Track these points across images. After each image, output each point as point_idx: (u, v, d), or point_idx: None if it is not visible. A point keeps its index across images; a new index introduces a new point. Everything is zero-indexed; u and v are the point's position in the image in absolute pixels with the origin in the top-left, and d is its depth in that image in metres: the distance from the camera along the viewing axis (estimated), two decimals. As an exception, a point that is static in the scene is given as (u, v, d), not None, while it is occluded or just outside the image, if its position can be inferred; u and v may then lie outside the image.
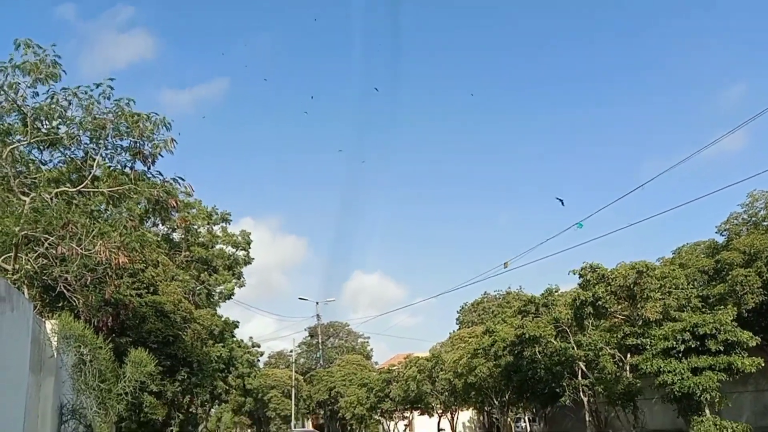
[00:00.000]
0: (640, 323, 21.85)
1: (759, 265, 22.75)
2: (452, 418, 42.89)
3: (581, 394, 27.58)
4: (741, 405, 25.84)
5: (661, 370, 18.39)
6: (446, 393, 38.06)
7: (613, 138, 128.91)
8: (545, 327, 27.81)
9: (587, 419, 29.22)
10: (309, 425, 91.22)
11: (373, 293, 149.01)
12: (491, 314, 48.11)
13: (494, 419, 45.83)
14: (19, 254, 10.84)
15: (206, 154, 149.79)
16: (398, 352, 69.90)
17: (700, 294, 24.04)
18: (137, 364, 12.23)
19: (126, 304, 17.96)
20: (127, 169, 12.94)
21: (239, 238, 39.95)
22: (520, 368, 29.05)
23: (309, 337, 79.17)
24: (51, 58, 11.63)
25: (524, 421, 54.45)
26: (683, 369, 17.88)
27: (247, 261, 40.59)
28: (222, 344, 34.75)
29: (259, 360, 67.07)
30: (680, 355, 18.45)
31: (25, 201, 11.32)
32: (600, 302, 21.99)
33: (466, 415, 55.87)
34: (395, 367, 46.33)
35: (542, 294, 32.66)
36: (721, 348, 17.94)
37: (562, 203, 28.07)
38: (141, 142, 12.47)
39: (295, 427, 54.43)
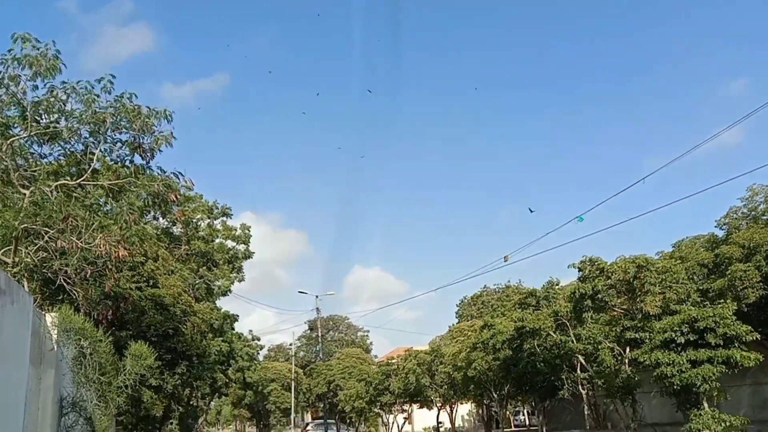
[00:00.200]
0: (639, 317, 21.89)
1: (758, 258, 22.76)
2: (451, 411, 43.01)
3: (580, 387, 27.66)
4: (739, 399, 25.92)
5: (660, 362, 18.42)
6: (445, 386, 38.15)
7: (614, 134, 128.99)
8: (545, 320, 27.87)
9: (586, 412, 29.31)
10: (308, 418, 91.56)
11: (373, 287, 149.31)
12: (491, 308, 48.18)
13: (493, 412, 45.95)
14: (18, 247, 10.85)
15: (207, 148, 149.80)
16: (398, 345, 70.06)
17: (700, 288, 24.06)
18: (137, 357, 12.24)
19: (126, 297, 17.98)
20: (127, 164, 12.94)
21: (239, 232, 39.94)
22: (519, 361, 29.12)
23: (309, 331, 79.31)
24: (52, 51, 11.61)
25: (523, 415, 54.69)
26: (682, 361, 17.92)
27: (247, 255, 40.59)
28: (222, 338, 34.80)
29: (258, 353, 67.23)
30: (679, 348, 18.49)
31: (24, 194, 11.32)
32: (599, 296, 22.02)
33: (465, 409, 56.07)
34: (394, 361, 46.42)
35: (543, 286, 32.71)
36: (720, 342, 17.97)
37: (531, 211, 28.25)
38: (141, 136, 12.45)
39: (312, 426, 53.90)
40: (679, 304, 20.66)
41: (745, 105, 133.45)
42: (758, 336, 19.01)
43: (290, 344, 79.61)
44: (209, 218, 36.94)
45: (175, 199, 13.34)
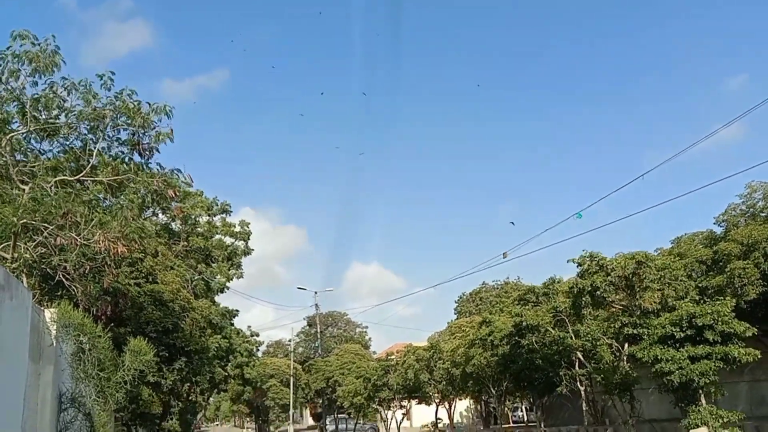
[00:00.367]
0: (638, 313, 21.92)
1: (757, 255, 22.79)
2: (450, 407, 43.07)
3: (578, 383, 27.70)
4: (737, 395, 26.01)
5: (658, 358, 18.46)
6: (444, 382, 38.21)
7: (613, 132, 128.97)
8: (544, 316, 27.89)
9: (584, 408, 29.36)
10: (307, 414, 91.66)
11: (372, 283, 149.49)
12: (489, 304, 48.23)
13: (491, 408, 46.02)
14: (18, 243, 10.85)
15: (206, 144, 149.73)
16: (397, 341, 70.13)
17: (699, 285, 24.09)
18: (136, 353, 12.24)
19: (125, 293, 17.98)
20: (126, 161, 12.93)
21: (239, 228, 39.95)
22: (517, 358, 29.15)
23: (307, 327, 79.36)
24: (51, 47, 11.60)
25: (521, 411, 54.79)
26: (681, 357, 17.96)
27: (247, 252, 40.60)
28: (221, 334, 34.82)
29: (258, 349, 67.27)
30: (678, 344, 18.53)
31: (24, 190, 11.32)
32: (598, 291, 22.04)
33: (463, 405, 56.13)
34: (393, 356, 46.47)
35: (544, 283, 32.74)
36: (719, 338, 18.01)
37: (512, 224, 28.44)
38: (140, 133, 12.44)
39: (329, 420, 53.65)
40: (677, 301, 20.69)
41: (745, 102, 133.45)
42: (756, 331, 19.04)
43: (289, 340, 79.69)
44: (208, 215, 36.95)
45: (174, 195, 13.33)
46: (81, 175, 12.35)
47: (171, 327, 22.56)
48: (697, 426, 17.48)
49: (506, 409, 50.09)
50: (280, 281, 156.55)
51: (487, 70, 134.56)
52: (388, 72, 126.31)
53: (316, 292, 65.51)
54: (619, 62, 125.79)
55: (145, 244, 17.29)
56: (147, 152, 12.72)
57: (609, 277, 21.90)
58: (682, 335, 18.24)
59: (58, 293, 13.04)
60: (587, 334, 26.21)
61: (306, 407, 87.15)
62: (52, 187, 11.66)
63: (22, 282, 10.06)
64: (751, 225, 24.71)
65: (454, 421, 48.98)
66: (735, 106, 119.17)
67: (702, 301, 21.12)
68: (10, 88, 11.73)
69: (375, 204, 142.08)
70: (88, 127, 12.40)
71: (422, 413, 55.37)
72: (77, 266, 11.83)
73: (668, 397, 20.46)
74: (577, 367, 27.44)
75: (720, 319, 17.94)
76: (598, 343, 25.67)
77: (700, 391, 18.25)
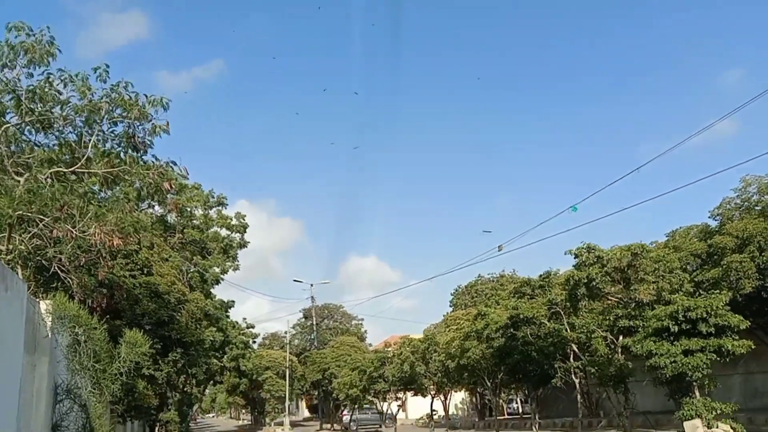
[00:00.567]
0: (633, 305, 21.99)
1: (752, 249, 22.87)
2: (445, 399, 43.21)
3: (573, 376, 27.81)
4: (731, 387, 26.16)
5: (652, 352, 18.53)
6: (439, 374, 38.30)
7: (610, 126, 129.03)
8: (539, 308, 27.95)
9: (579, 400, 29.49)
10: (303, 406, 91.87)
11: (369, 276, 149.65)
12: (485, 297, 48.29)
13: (486, 400, 46.24)
14: (12, 234, 10.82)
15: (202, 136, 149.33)
16: (392, 334, 70.27)
17: (694, 279, 24.17)
18: (132, 345, 12.23)
19: (120, 285, 17.96)
20: (122, 155, 12.88)
21: (235, 221, 39.89)
22: (512, 350, 29.23)
23: (303, 319, 79.44)
24: (47, 37, 11.54)
25: (516, 403, 55.02)
26: (675, 351, 18.03)
27: (242, 244, 40.55)
28: (216, 327, 34.82)
29: (254, 341, 67.34)
30: (672, 337, 18.60)
31: (18, 181, 11.28)
32: (594, 283, 22.10)
33: (459, 397, 56.33)
34: (390, 349, 46.52)
35: (540, 276, 32.80)
36: (712, 331, 18.08)
37: (488, 232, 28.51)
38: (136, 125, 12.38)
39: (346, 412, 53.41)
40: (672, 294, 20.76)
41: (740, 96, 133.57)
42: (749, 324, 19.11)
43: (285, 332, 79.79)
44: (204, 207, 36.86)
45: (169, 188, 13.29)
46: (76, 167, 12.30)
47: (166, 319, 22.57)
48: (691, 418, 17.57)
49: (501, 401, 50.29)
50: (276, 273, 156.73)
51: (485, 66, 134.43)
52: (387, 66, 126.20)
53: (312, 285, 65.64)
54: (615, 57, 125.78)
55: (140, 237, 17.27)
56: (143, 145, 12.66)
57: (605, 268, 21.97)
58: (676, 329, 18.31)
59: (54, 285, 13.02)
60: (582, 327, 26.30)
61: (302, 399, 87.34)
62: (47, 179, 11.62)
63: (17, 274, 10.04)
64: (746, 219, 24.77)
65: (450, 412, 49.20)
66: (730, 101, 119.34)
67: (697, 294, 21.19)
68: (5, 79, 11.67)
69: (372, 197, 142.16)
70: (84, 120, 12.34)
71: (418, 405, 55.57)
72: (72, 258, 11.81)
73: (662, 390, 20.55)
74: (572, 360, 27.54)
75: (714, 312, 18.01)
76: (592, 336, 25.75)
77: (694, 384, 18.35)
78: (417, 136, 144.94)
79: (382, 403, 47.18)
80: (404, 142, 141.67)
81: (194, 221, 35.56)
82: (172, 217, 30.92)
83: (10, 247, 10.79)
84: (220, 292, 48.16)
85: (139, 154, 12.70)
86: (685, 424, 17.61)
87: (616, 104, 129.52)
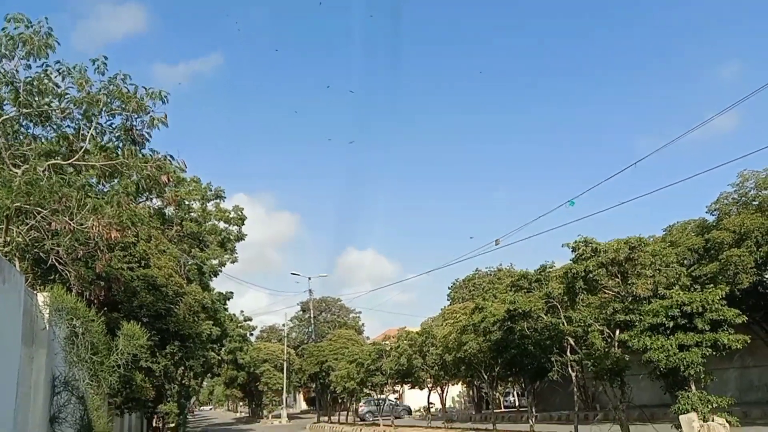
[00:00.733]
0: (630, 300, 22.01)
1: (749, 244, 22.91)
2: (442, 392, 43.31)
3: (569, 369, 27.85)
4: (726, 381, 26.29)
5: (648, 347, 18.57)
6: (436, 367, 38.36)
7: (608, 120, 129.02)
8: (536, 302, 27.95)
9: (575, 394, 29.57)
10: (300, 398, 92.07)
11: (367, 270, 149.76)
12: (482, 290, 48.34)
13: (483, 394, 46.36)
14: (10, 226, 10.82)
15: (200, 129, 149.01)
16: (390, 327, 70.40)
17: (692, 273, 24.20)
18: (130, 337, 12.24)
19: (118, 277, 17.97)
20: (120, 149, 12.87)
21: (233, 214, 39.90)
22: (509, 344, 29.25)
23: (301, 312, 79.59)
24: (45, 29, 11.52)
25: (513, 396, 55.20)
26: (670, 345, 18.06)
27: (240, 237, 40.57)
28: (213, 321, 34.88)
29: (251, 334, 67.49)
30: (668, 332, 18.63)
31: (16, 173, 11.26)
32: (591, 275, 22.11)
33: (456, 390, 56.48)
34: (387, 342, 46.60)
35: (537, 269, 32.82)
36: (708, 326, 18.11)
37: (471, 238, 28.57)
38: (134, 118, 12.38)
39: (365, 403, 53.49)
40: (668, 288, 20.78)
41: (738, 91, 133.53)
42: (746, 319, 19.15)
43: (283, 325, 79.90)
44: (202, 201, 36.87)
45: (167, 181, 13.29)
46: (74, 159, 12.29)
47: (164, 311, 22.59)
48: (687, 411, 17.61)
49: (498, 394, 50.43)
50: (274, 267, 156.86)
51: (484, 60, 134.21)
52: (386, 60, 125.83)
53: (309, 278, 65.84)
54: (614, 51, 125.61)
55: (138, 229, 17.29)
56: (141, 137, 12.66)
57: (601, 259, 21.97)
58: (671, 324, 18.34)
59: (51, 277, 13.03)
60: (579, 321, 26.33)
61: (299, 392, 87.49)
62: (45, 171, 11.61)
63: (15, 266, 10.04)
64: (744, 214, 24.77)
65: (447, 405, 49.33)
66: (728, 96, 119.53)
67: (693, 289, 21.22)
68: (3, 70, 11.65)
69: (370, 190, 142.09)
70: (82, 112, 12.33)
71: (415, 398, 55.75)
72: (70, 250, 11.80)
73: (658, 383, 20.59)
74: (568, 353, 27.57)
75: (710, 306, 18.03)
76: (589, 330, 25.79)
77: (690, 378, 18.39)
78: (415, 129, 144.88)
79: (379, 395, 47.30)
80: (403, 135, 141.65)
81: (192, 214, 35.58)
82: (170, 210, 30.94)
83: (8, 239, 10.78)
84: (218, 286, 48.20)
85: (137, 147, 12.70)
86: (681, 417, 17.65)
87: (614, 99, 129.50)
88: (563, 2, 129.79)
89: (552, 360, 28.13)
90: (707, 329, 17.94)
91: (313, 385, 60.78)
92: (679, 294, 19.13)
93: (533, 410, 32.01)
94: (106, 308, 15.72)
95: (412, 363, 38.99)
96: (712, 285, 20.32)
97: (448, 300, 60.07)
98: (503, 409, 50.71)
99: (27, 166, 11.53)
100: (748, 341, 18.39)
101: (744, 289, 22.58)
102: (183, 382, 37.17)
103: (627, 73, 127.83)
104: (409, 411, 57.17)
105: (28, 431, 9.30)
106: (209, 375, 61.85)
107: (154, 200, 25.33)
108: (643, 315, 19.79)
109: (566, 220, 41.48)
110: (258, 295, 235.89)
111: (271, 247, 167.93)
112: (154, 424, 31.18)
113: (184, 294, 24.52)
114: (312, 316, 71.17)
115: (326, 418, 56.18)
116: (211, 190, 37.48)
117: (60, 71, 11.89)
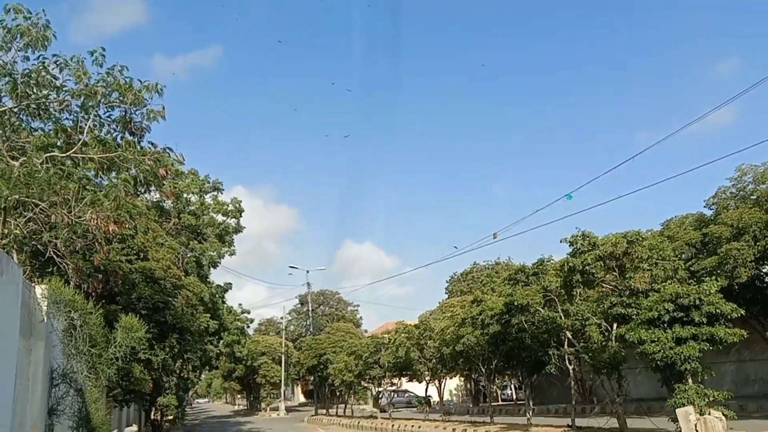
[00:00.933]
0: (627, 293, 22.04)
1: (747, 238, 22.92)
2: (440, 385, 43.42)
3: (567, 362, 27.91)
4: (723, 375, 26.38)
5: (643, 339, 18.60)
6: (434, 360, 38.41)
7: (606, 114, 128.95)
8: (534, 296, 27.97)
9: (572, 387, 29.66)
10: (298, 391, 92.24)
11: (365, 262, 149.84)
12: (480, 284, 48.41)
13: (481, 387, 46.46)
14: (7, 219, 10.80)
15: (198, 122, 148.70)
16: (388, 320, 70.49)
17: (690, 268, 24.21)
18: (128, 330, 12.25)
19: (116, 270, 17.95)
20: (118, 140, 12.84)
21: (231, 206, 39.81)
22: (507, 337, 29.29)
23: (299, 305, 79.66)
24: (43, 21, 11.47)
25: (510, 389, 55.31)
26: (667, 339, 18.10)
27: (238, 229, 40.51)
28: (211, 314, 34.87)
29: (249, 327, 67.51)
30: (665, 325, 18.66)
31: (14, 165, 11.23)
32: (588, 268, 22.12)
33: (453, 383, 56.60)
34: (386, 335, 46.64)
35: (534, 263, 32.81)
36: (705, 319, 18.14)
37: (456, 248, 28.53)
38: (132, 110, 12.35)
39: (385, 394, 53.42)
40: (664, 283, 20.80)
41: (737, 85, 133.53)
42: (743, 312, 19.17)
43: (281, 318, 79.99)
44: (200, 193, 36.78)
45: (165, 174, 13.27)
46: (72, 151, 12.26)
47: (162, 304, 22.57)
48: (684, 405, 17.66)
49: (496, 387, 50.58)
50: (272, 260, 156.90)
51: (483, 55, 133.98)
52: (386, 55, 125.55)
53: (308, 271, 65.80)
54: (613, 45, 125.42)
55: (136, 222, 17.28)
56: (139, 129, 12.63)
57: (598, 252, 21.98)
58: (668, 317, 18.37)
59: (49, 270, 13.03)
60: (577, 314, 26.37)
61: (297, 384, 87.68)
62: (43, 164, 11.58)
63: (13, 258, 10.04)
64: (741, 208, 24.77)
65: (444, 398, 49.45)
66: (726, 90, 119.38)
67: (688, 283, 21.24)
68: (1, 62, 11.61)
69: (369, 185, 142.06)
70: (80, 104, 12.29)
71: (413, 390, 55.84)
72: (68, 243, 11.80)
73: (656, 377, 20.66)
74: (566, 347, 27.63)
75: (706, 299, 18.05)
76: (587, 323, 25.83)
77: (686, 371, 18.44)
78: (414, 123, 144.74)
79: (377, 388, 47.40)
80: (402, 129, 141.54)
81: (190, 207, 35.53)
82: (168, 203, 30.90)
83: (6, 231, 10.77)
84: (216, 278, 48.20)
85: (135, 139, 12.67)
86: (678, 411, 17.70)
87: (612, 92, 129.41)
88: (562, 6, 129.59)
89: (549, 353, 28.18)
90: (704, 322, 17.96)
91: (311, 378, 60.90)
92: (674, 286, 19.14)
93: (530, 403, 32.09)
94: (104, 300, 15.73)
95: (409, 356, 39.05)
96: (709, 279, 20.33)
97: (446, 293, 60.19)
98: (500, 402, 50.88)
99: (25, 158, 11.50)
100: (745, 335, 18.43)
101: (742, 283, 22.60)
102: (181, 374, 37.22)
103: (626, 70, 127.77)
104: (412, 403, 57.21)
105: (27, 423, 9.32)
106: (207, 368, 61.89)
107: (153, 193, 25.35)
108: (640, 308, 19.82)
109: (564, 214, 41.29)
110: (256, 288, 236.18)
111: (269, 240, 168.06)
112: (152, 417, 31.19)
113: (182, 286, 24.49)
114: (310, 309, 71.21)
115: (324, 411, 56.30)
116: (209, 183, 37.40)
117: (58, 63, 11.85)
